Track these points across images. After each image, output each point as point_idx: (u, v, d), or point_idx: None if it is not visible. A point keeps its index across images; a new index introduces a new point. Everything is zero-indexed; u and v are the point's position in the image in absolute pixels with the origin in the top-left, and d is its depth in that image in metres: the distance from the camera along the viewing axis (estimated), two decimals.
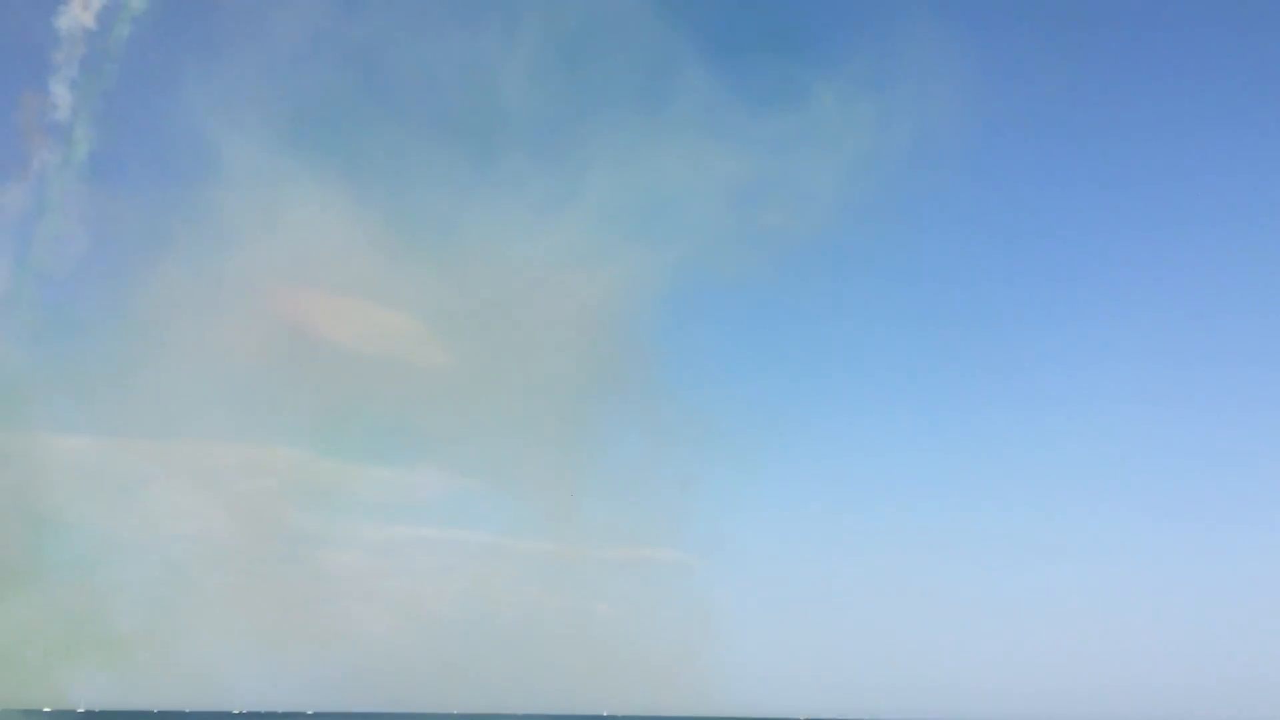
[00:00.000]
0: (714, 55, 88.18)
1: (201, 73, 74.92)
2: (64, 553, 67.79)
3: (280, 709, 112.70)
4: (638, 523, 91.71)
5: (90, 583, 68.04)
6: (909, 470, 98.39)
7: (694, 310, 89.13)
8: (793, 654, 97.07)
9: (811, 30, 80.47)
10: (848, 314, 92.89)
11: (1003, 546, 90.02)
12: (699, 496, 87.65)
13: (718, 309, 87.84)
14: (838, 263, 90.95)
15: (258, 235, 77.43)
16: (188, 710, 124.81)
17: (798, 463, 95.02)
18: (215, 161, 76.17)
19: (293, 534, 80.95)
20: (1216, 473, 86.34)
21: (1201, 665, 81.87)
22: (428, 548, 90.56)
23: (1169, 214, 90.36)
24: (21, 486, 67.96)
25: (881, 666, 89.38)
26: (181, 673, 71.33)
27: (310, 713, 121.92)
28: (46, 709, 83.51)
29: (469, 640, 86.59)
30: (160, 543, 75.15)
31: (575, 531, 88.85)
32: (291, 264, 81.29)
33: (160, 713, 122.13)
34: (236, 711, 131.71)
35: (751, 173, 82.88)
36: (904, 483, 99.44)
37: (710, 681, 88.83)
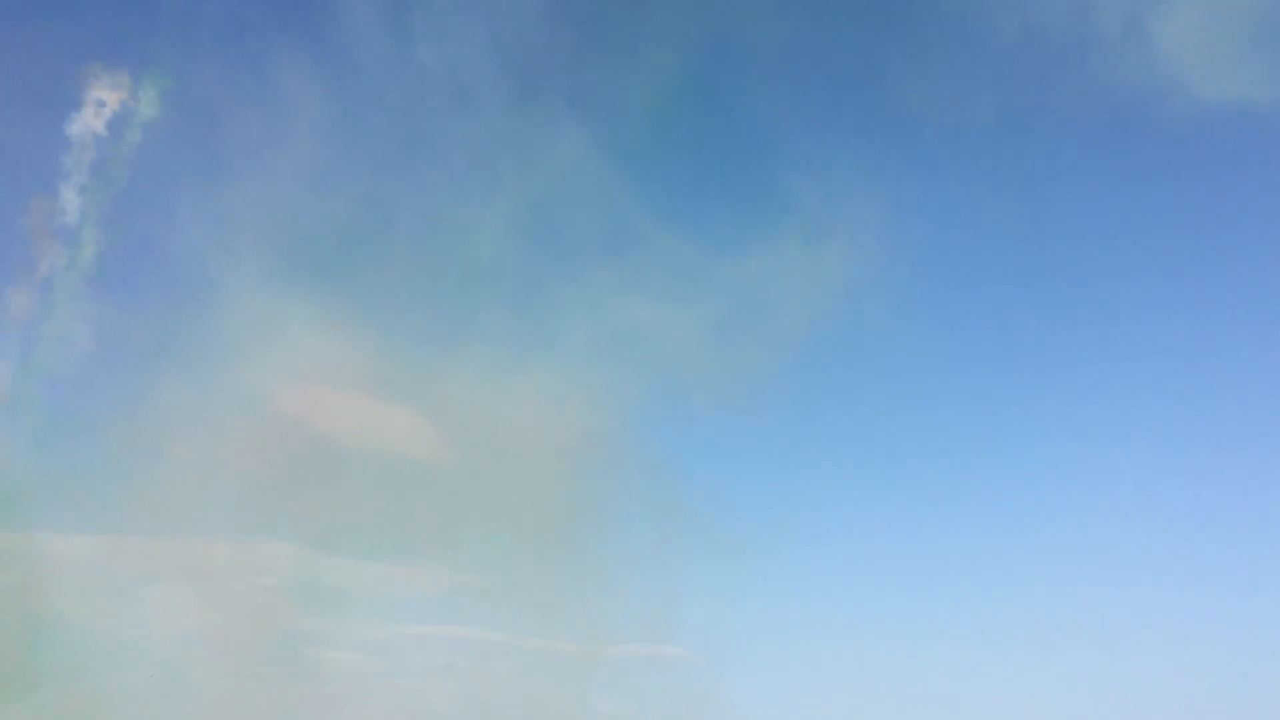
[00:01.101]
0: (675, 205, 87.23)
1: (209, 184, 75.27)
2: (63, 655, 67.21)
3: None
4: (641, 620, 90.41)
5: (88, 686, 67.31)
6: (918, 560, 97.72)
7: (685, 422, 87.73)
8: None
9: (768, 179, 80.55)
10: (842, 413, 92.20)
11: (1010, 630, 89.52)
12: (702, 593, 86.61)
13: (707, 424, 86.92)
14: (815, 382, 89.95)
15: (258, 337, 77.17)
16: None
17: (802, 558, 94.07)
18: (219, 268, 76.30)
19: (291, 632, 79.79)
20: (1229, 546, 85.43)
21: None
22: (428, 646, 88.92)
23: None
24: (21, 587, 67.52)
25: None
26: None
27: None
28: None
29: None
30: (159, 642, 74.19)
31: (577, 629, 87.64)
32: (291, 361, 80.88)
33: None
34: None
35: (719, 311, 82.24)
36: (912, 573, 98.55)
37: None
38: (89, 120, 71.07)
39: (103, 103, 70.67)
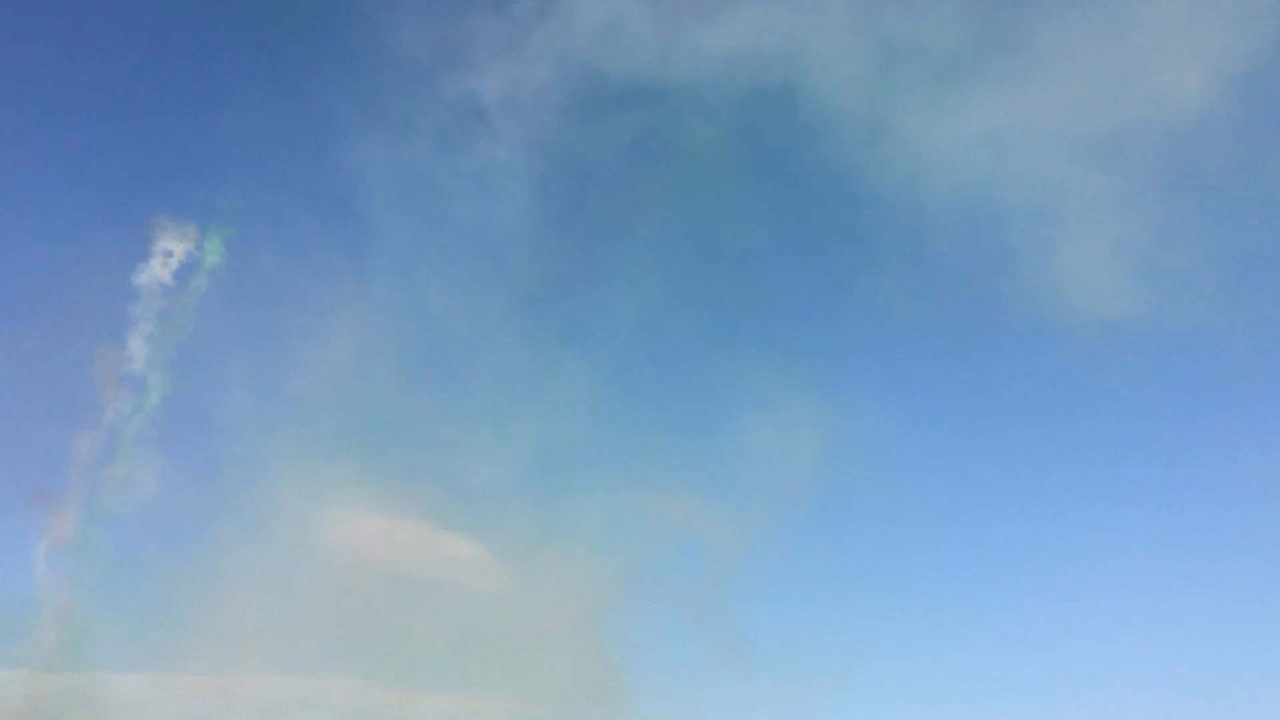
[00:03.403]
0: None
1: (271, 328, 77.78)
2: None
3: None
4: None
5: None
6: (1002, 682, 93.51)
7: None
8: None
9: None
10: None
11: None
12: (770, 713, 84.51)
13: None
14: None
15: (316, 465, 78.51)
16: None
17: (874, 684, 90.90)
18: (282, 398, 78.22)
19: None
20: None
21: None
22: None
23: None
24: None
25: None
26: None
27: None
28: None
29: None
30: None
31: None
32: (347, 492, 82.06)
33: None
34: None
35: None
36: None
37: None
38: (156, 270, 73.85)
39: (170, 253, 73.48)
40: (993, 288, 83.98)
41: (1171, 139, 79.59)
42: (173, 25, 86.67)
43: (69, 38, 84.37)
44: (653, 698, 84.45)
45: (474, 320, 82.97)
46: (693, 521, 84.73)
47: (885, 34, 79.99)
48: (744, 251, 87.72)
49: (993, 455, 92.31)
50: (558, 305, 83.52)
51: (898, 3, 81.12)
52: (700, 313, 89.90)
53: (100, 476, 69.87)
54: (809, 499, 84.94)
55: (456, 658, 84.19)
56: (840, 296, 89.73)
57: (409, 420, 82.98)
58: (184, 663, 74.90)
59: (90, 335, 72.45)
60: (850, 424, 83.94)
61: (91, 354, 71.59)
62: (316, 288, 79.71)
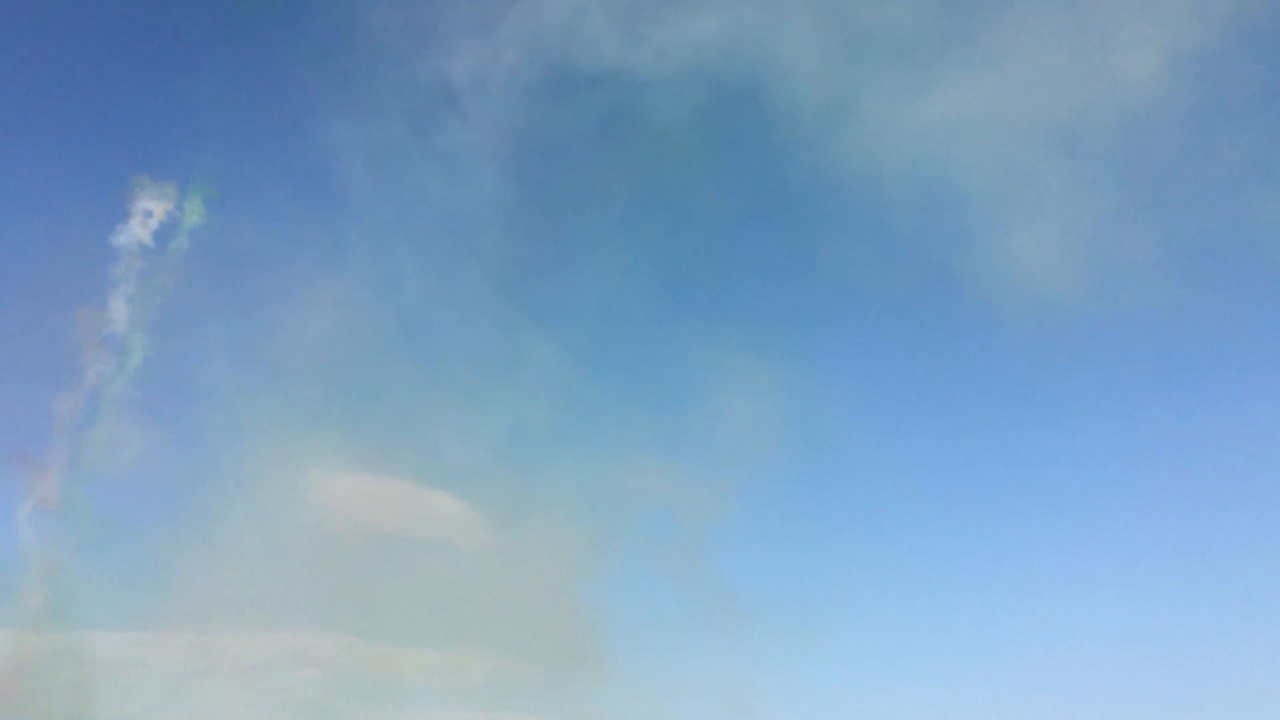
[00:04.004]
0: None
1: (255, 287, 77.96)
2: None
3: None
4: (687, 698, 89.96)
5: None
6: (977, 638, 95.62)
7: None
8: None
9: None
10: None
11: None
12: (749, 669, 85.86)
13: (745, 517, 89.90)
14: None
15: (298, 427, 78.94)
16: None
17: (853, 630, 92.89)
18: (261, 370, 78.54)
19: None
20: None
21: None
22: None
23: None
24: (71, 686, 69.21)
25: None
26: None
27: None
28: None
29: None
30: None
31: (624, 709, 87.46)
32: (331, 451, 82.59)
33: None
34: None
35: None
36: (997, 654, 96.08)
37: None
38: (136, 230, 73.66)
39: (149, 213, 73.26)
40: (949, 266, 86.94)
41: (1126, 124, 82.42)
42: None
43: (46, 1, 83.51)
44: (635, 653, 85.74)
45: (448, 295, 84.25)
46: (668, 487, 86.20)
47: (849, 20, 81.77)
48: (709, 229, 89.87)
49: (949, 421, 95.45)
50: (529, 282, 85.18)
51: None
52: (667, 289, 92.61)
53: (83, 438, 70.25)
54: (778, 463, 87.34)
55: (441, 614, 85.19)
56: (803, 272, 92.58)
57: (388, 387, 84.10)
58: (170, 621, 75.67)
59: (70, 297, 72.44)
60: (814, 392, 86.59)
61: (71, 315, 71.65)
62: (293, 257, 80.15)
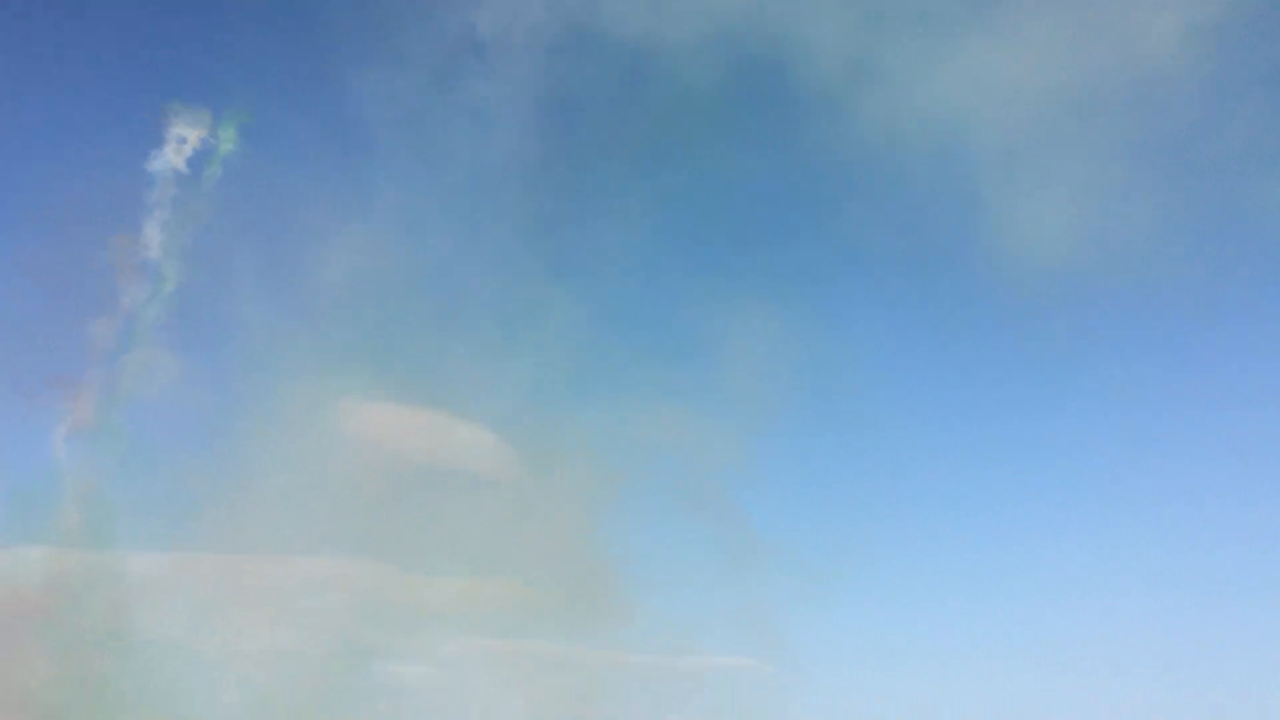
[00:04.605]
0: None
1: (287, 215, 78.40)
2: (146, 671, 70.42)
3: None
4: (709, 631, 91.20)
5: (170, 701, 70.45)
6: (994, 578, 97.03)
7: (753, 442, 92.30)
8: None
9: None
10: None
11: (1094, 649, 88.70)
12: (772, 604, 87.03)
13: (776, 444, 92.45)
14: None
15: (330, 356, 79.66)
16: None
17: (874, 574, 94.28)
18: (293, 298, 79.13)
19: (365, 647, 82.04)
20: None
21: None
22: (498, 659, 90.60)
23: None
24: (106, 605, 70.95)
25: None
26: None
27: None
28: None
29: None
30: (236, 658, 76.89)
31: (645, 642, 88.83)
32: (365, 379, 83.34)
33: None
34: None
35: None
36: (988, 591, 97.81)
37: None
38: (170, 157, 73.80)
39: (183, 139, 73.33)
40: (960, 227, 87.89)
41: (1140, 95, 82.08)
42: None
43: None
44: (658, 588, 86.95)
45: (472, 243, 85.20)
46: (690, 431, 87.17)
47: None
48: (729, 185, 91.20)
49: (954, 373, 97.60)
50: (552, 232, 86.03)
51: None
52: (687, 243, 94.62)
53: (118, 363, 71.22)
54: (794, 411, 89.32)
55: (468, 543, 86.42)
56: (819, 230, 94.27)
57: (417, 323, 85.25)
58: (203, 543, 77.25)
59: (106, 223, 72.95)
60: (828, 344, 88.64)
61: (107, 242, 72.25)
62: (320, 196, 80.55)
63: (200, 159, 73.76)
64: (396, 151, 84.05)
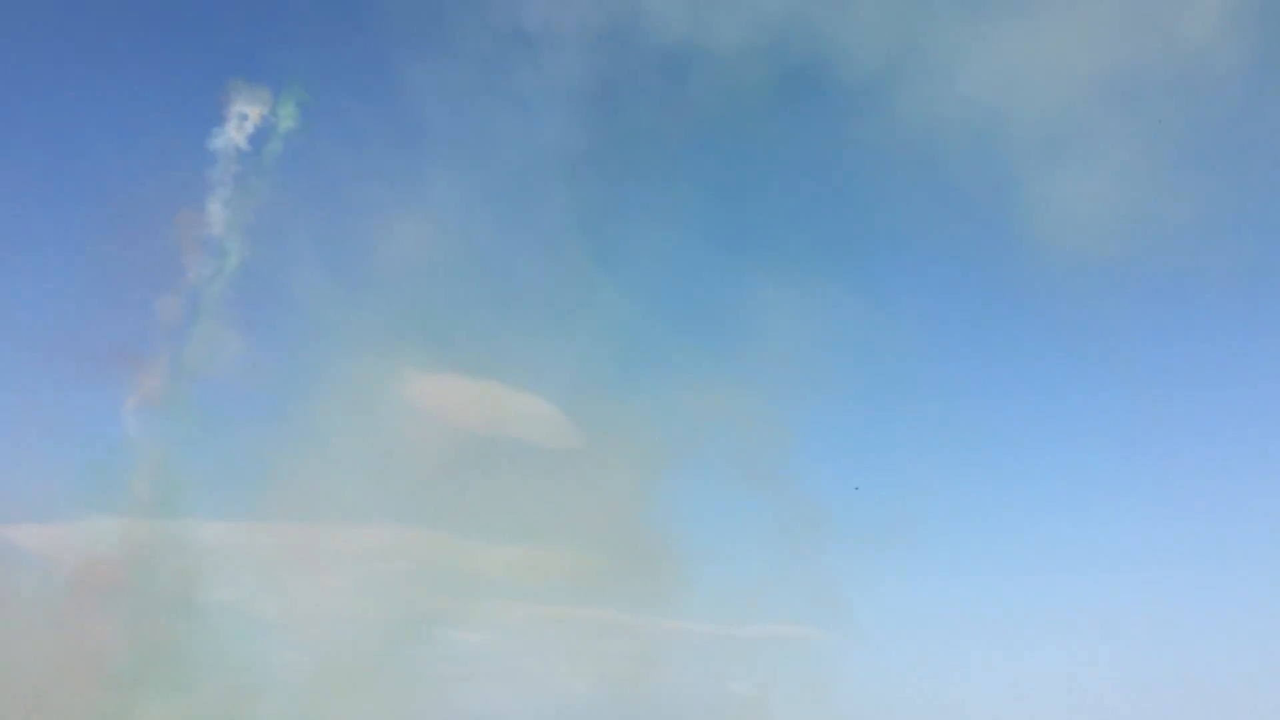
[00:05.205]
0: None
1: (336, 212, 80.00)
2: (216, 637, 72.54)
3: None
4: (768, 600, 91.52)
5: (239, 666, 72.55)
6: (1068, 551, 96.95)
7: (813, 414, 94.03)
8: None
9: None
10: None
11: (1163, 623, 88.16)
12: (831, 573, 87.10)
13: (837, 415, 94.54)
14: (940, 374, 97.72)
15: (390, 330, 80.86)
16: None
17: (939, 546, 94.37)
18: (355, 271, 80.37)
19: (428, 614, 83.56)
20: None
21: None
22: (559, 626, 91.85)
23: None
24: (178, 573, 73.17)
25: None
26: None
27: None
28: None
29: None
30: (302, 624, 78.81)
31: (705, 609, 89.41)
32: (425, 352, 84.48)
33: None
34: None
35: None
36: (1061, 565, 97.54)
37: None
38: (232, 135, 74.97)
39: (245, 116, 74.41)
40: (1000, 210, 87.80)
41: (1182, 78, 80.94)
42: None
43: None
44: (715, 557, 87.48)
45: (522, 229, 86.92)
46: (741, 406, 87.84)
47: None
48: (771, 173, 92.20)
49: (993, 349, 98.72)
50: (599, 218, 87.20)
51: None
52: (731, 227, 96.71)
53: (184, 337, 72.93)
54: (841, 385, 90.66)
55: (526, 512, 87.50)
56: (860, 211, 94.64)
57: (472, 302, 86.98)
58: (270, 513, 79.10)
59: (171, 200, 74.47)
60: (870, 321, 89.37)
61: (172, 219, 73.78)
62: (375, 180, 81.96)
63: (261, 136, 74.73)
64: (446, 139, 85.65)
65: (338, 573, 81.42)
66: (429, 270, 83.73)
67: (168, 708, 68.05)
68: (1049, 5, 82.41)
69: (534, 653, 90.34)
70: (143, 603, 69.87)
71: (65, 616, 69.03)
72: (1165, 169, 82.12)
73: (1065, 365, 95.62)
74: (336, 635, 78.37)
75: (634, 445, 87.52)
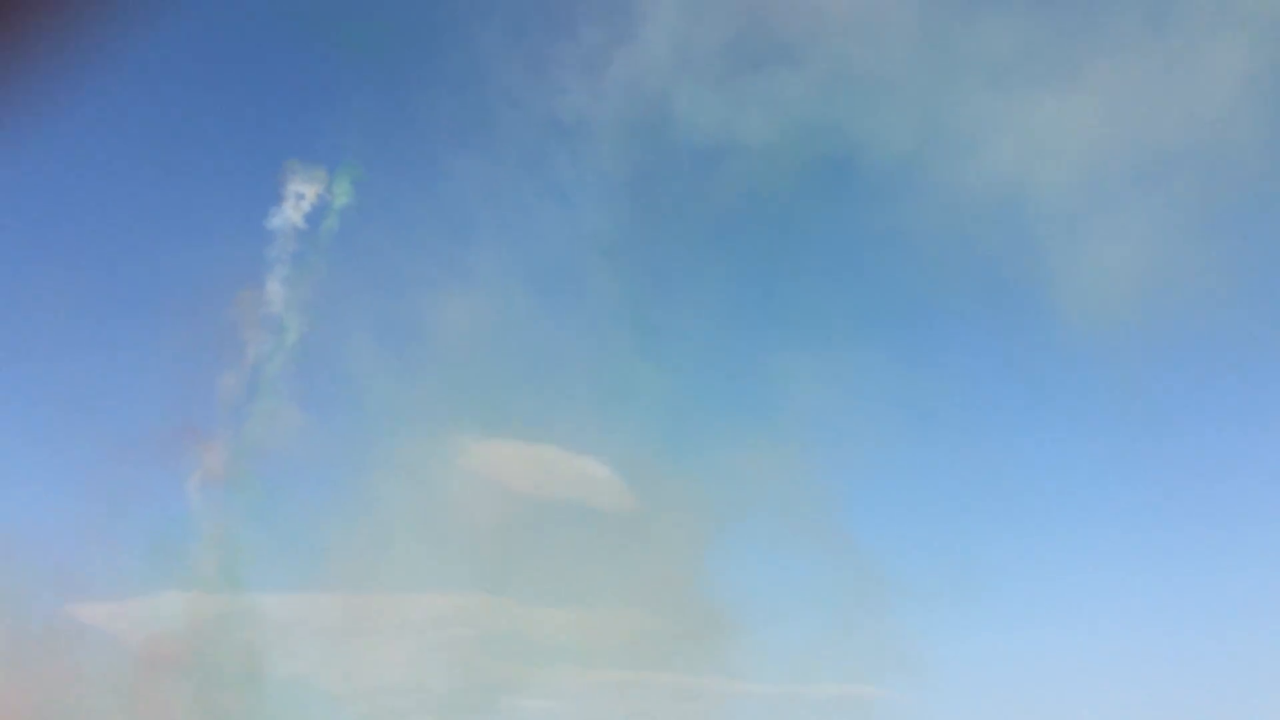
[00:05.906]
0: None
1: (390, 286, 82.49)
2: (279, 707, 73.25)
3: None
4: (833, 659, 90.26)
5: None
6: (1143, 598, 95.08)
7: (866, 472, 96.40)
8: None
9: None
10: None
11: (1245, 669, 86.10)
12: (895, 630, 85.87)
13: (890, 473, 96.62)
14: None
15: (446, 399, 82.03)
16: None
17: (994, 590, 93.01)
18: (411, 343, 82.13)
19: (490, 681, 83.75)
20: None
21: None
22: (622, 691, 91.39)
23: None
24: (243, 644, 74.24)
25: None
26: None
27: None
28: None
29: None
30: (365, 694, 79.43)
31: (769, 670, 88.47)
32: (482, 420, 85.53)
33: None
34: None
35: None
36: (1137, 612, 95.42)
37: None
38: (289, 213, 77.16)
39: (301, 195, 76.66)
40: (1020, 280, 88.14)
41: (1207, 151, 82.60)
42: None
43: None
44: (774, 618, 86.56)
45: (564, 307, 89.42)
46: (793, 469, 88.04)
47: (944, 36, 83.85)
48: (805, 249, 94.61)
49: (1021, 411, 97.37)
50: (639, 299, 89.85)
51: (961, 6, 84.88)
52: (765, 298, 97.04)
53: (246, 413, 74.60)
54: (888, 445, 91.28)
55: (587, 575, 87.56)
56: (893, 286, 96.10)
57: (523, 372, 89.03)
58: (331, 583, 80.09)
59: (231, 279, 76.57)
60: (907, 386, 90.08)
61: (233, 297, 75.85)
62: (424, 255, 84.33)
63: (317, 214, 76.74)
64: (490, 221, 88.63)
65: (399, 642, 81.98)
66: (479, 343, 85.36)
67: None
68: (1073, 84, 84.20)
69: (599, 718, 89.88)
70: (209, 677, 70.90)
71: (133, 692, 70.21)
72: (1191, 239, 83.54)
73: (1096, 412, 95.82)
74: (399, 706, 78.81)
75: (689, 507, 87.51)
